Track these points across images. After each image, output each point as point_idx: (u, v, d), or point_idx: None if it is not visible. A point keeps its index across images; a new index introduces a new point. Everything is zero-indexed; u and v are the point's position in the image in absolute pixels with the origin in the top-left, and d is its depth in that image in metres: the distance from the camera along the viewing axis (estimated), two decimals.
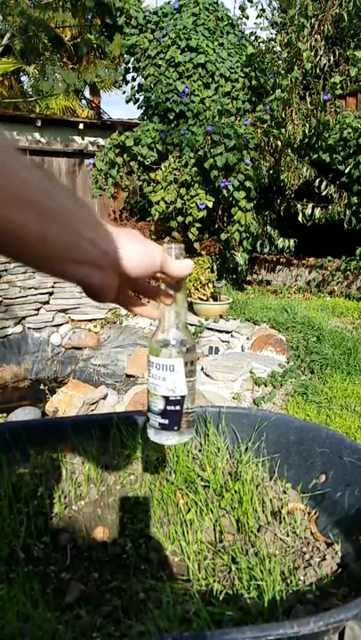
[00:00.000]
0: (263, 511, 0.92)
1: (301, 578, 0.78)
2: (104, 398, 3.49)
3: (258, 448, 1.05)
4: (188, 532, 0.89)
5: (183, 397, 0.68)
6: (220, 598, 0.75)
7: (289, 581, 0.78)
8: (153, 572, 0.84)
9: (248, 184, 5.09)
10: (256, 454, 1.04)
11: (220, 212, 5.70)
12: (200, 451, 1.08)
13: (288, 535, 0.88)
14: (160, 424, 0.69)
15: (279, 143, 5.38)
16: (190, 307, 5.02)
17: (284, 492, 0.97)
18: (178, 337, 0.69)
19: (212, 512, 0.93)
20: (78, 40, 8.60)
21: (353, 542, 0.82)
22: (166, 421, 0.68)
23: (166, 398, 0.67)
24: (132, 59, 6.46)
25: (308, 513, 0.93)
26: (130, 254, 0.55)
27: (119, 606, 0.75)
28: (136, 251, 0.56)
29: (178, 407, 0.68)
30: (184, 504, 0.95)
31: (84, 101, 12.12)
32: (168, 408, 0.68)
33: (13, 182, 0.42)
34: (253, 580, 0.76)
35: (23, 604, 0.72)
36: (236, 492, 0.96)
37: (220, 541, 0.89)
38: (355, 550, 0.81)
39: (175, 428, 0.68)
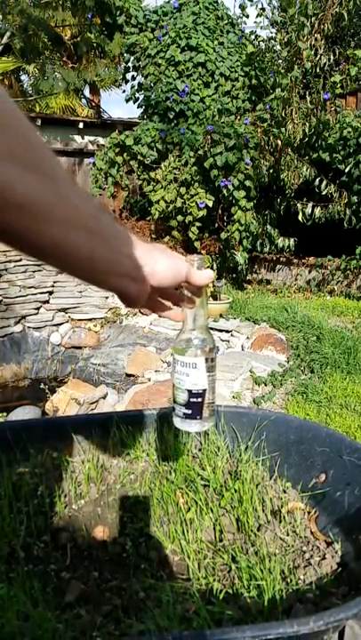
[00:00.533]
0: (263, 510, 0.92)
1: (301, 577, 0.78)
2: (104, 397, 3.49)
3: (258, 447, 1.05)
4: (187, 532, 0.89)
5: (204, 391, 0.77)
6: (220, 597, 0.75)
7: (289, 580, 0.78)
8: (153, 571, 0.84)
9: (248, 183, 5.08)
10: (256, 453, 1.05)
11: (219, 212, 5.70)
12: (200, 450, 1.08)
13: (288, 534, 0.88)
14: (184, 414, 0.77)
15: (279, 142, 5.38)
16: None
17: (284, 492, 0.98)
18: (199, 337, 0.77)
19: (211, 511, 0.93)
20: (78, 39, 8.59)
21: (353, 541, 0.82)
22: (190, 411, 0.77)
23: (190, 391, 0.76)
24: (132, 58, 6.44)
25: (308, 512, 0.93)
26: (161, 267, 0.64)
27: (119, 605, 0.76)
28: (166, 263, 0.65)
29: (200, 399, 0.77)
30: (184, 503, 0.95)
31: (83, 100, 12.11)
32: (191, 400, 0.77)
33: (70, 209, 0.49)
34: (253, 580, 0.76)
35: (23, 603, 0.72)
36: (235, 491, 0.96)
37: (220, 540, 0.89)
38: (355, 549, 0.81)
39: (197, 417, 0.77)
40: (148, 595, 0.77)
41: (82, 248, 0.51)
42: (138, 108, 6.55)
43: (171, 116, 5.88)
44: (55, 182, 0.47)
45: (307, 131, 5.45)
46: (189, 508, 0.94)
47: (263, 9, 5.99)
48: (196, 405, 0.77)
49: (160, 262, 0.63)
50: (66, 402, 3.39)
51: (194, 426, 0.78)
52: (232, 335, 4.40)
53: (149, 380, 3.88)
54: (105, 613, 0.74)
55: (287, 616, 0.70)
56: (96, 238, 0.53)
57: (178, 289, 0.74)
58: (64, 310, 5.48)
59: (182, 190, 5.28)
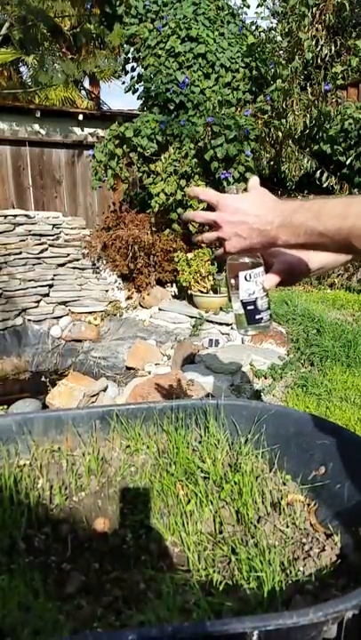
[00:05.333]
0: (263, 502, 0.93)
1: (301, 569, 0.79)
2: (104, 390, 3.50)
3: (257, 440, 1.05)
4: (187, 523, 0.90)
5: None
6: (220, 589, 0.75)
7: (288, 572, 0.78)
8: (153, 562, 0.84)
9: (248, 175, 5.06)
10: (256, 446, 1.05)
11: None
12: (200, 442, 1.08)
13: (288, 526, 0.88)
14: (270, 315, 0.93)
15: (280, 134, 5.34)
16: (190, 299, 5.02)
17: (284, 484, 0.98)
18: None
19: (211, 503, 0.93)
20: (77, 30, 8.50)
21: (352, 533, 0.82)
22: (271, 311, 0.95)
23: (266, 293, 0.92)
24: (132, 49, 6.38)
25: (308, 504, 0.93)
26: None
27: (119, 596, 0.76)
28: None
29: None
30: (184, 495, 0.96)
31: (83, 92, 12.03)
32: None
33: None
34: (253, 571, 0.77)
35: (24, 595, 0.72)
36: (235, 483, 0.96)
37: (220, 532, 0.89)
38: (354, 541, 0.81)
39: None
40: (148, 586, 0.77)
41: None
42: (138, 99, 6.50)
43: (171, 108, 5.84)
44: None
45: (308, 122, 5.41)
46: (189, 500, 0.94)
47: None
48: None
49: None
50: (66, 395, 3.40)
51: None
52: (232, 328, 4.40)
53: (149, 373, 3.89)
54: (105, 604, 0.74)
55: (287, 607, 0.70)
56: None
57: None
58: (64, 303, 5.48)
59: (182, 183, 5.25)
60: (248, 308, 0.90)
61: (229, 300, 0.96)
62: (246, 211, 0.83)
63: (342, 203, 0.72)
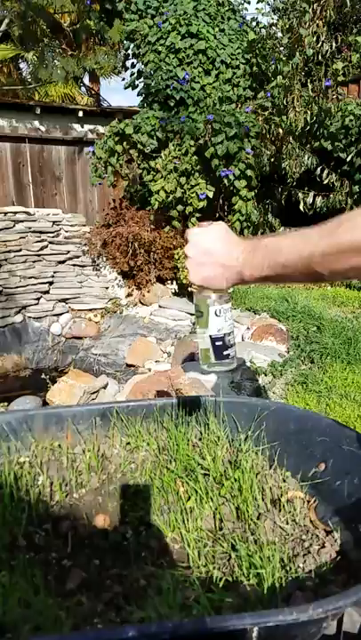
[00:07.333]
0: (263, 499, 0.93)
1: (301, 565, 0.79)
2: (104, 387, 3.50)
3: (258, 437, 1.05)
4: (188, 520, 0.90)
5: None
6: (220, 585, 0.75)
7: (288, 569, 0.78)
8: (153, 559, 0.84)
9: (249, 173, 5.05)
10: (256, 443, 1.05)
11: (220, 202, 5.66)
12: (200, 439, 1.09)
13: (288, 523, 0.88)
14: (235, 352, 0.92)
15: (281, 131, 5.33)
16: (191, 297, 5.01)
17: (284, 481, 0.98)
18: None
19: (211, 500, 0.93)
20: (77, 26, 8.49)
21: (352, 530, 0.83)
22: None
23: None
24: (132, 45, 6.36)
25: (308, 501, 0.94)
26: None
27: (120, 593, 0.76)
28: None
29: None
30: (184, 492, 0.96)
31: (83, 88, 12.00)
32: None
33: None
34: (253, 568, 0.77)
35: (25, 591, 0.72)
36: (235, 480, 0.96)
37: (220, 529, 0.89)
38: (354, 538, 0.81)
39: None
40: (148, 582, 0.78)
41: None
42: (138, 95, 6.49)
43: (171, 104, 5.82)
44: None
45: (308, 119, 5.39)
46: (189, 497, 0.94)
47: None
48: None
49: None
50: (66, 392, 3.40)
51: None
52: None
53: (150, 370, 3.89)
54: (106, 601, 0.74)
55: (287, 604, 0.70)
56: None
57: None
58: (64, 300, 5.48)
59: (182, 180, 5.24)
60: (216, 343, 0.89)
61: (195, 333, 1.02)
62: (212, 245, 0.84)
63: (300, 234, 0.75)
